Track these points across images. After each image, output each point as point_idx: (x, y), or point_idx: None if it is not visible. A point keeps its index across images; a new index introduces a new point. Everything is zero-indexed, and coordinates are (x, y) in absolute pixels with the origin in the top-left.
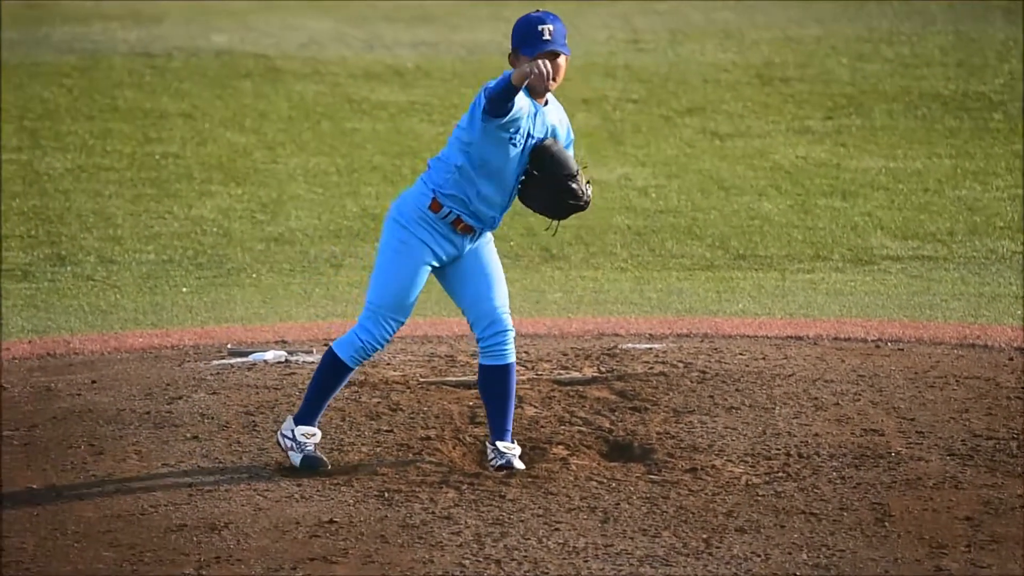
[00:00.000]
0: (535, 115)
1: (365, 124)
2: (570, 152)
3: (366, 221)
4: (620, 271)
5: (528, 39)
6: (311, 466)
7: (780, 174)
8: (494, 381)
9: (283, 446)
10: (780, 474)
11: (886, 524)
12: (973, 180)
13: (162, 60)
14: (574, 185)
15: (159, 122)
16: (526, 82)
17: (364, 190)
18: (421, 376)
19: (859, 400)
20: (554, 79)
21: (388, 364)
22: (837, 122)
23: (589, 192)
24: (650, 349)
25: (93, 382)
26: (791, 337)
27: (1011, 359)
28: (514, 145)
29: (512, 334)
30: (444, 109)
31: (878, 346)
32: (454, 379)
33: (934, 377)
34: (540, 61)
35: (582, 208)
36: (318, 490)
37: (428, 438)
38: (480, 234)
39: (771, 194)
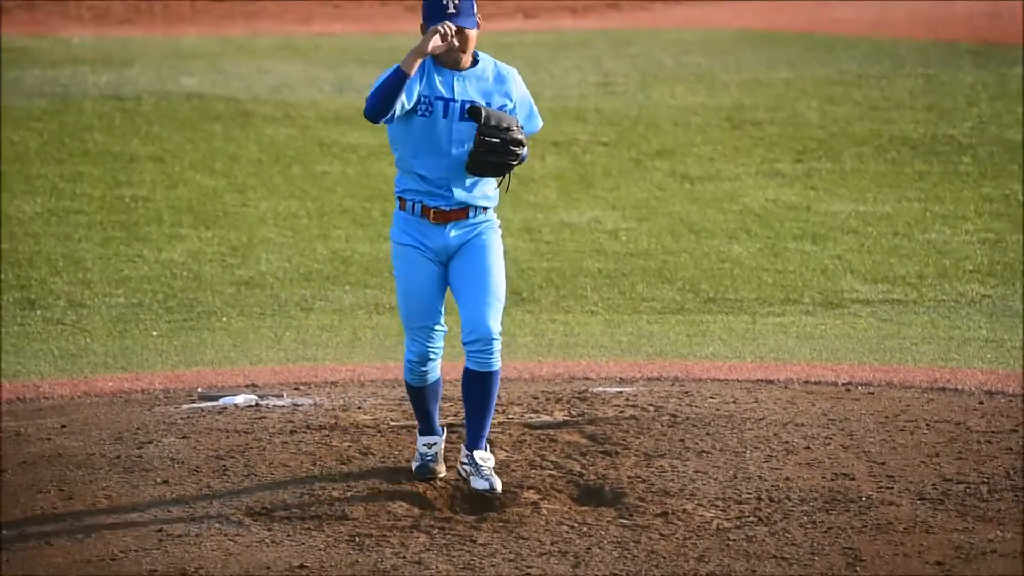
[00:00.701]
0: (451, 80)
1: (335, 167)
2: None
3: (336, 264)
4: (591, 314)
5: (433, 12)
6: (425, 474)
7: (750, 217)
8: (476, 387)
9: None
10: (751, 518)
11: (857, 568)
12: (943, 224)
13: (132, 103)
14: (513, 143)
15: (129, 165)
16: (431, 47)
17: (334, 233)
18: (392, 420)
19: (830, 444)
20: (463, 50)
21: (359, 408)
22: (807, 165)
23: (526, 146)
24: (621, 393)
25: (63, 426)
26: (762, 380)
27: (981, 403)
28: (425, 116)
29: (498, 343)
30: None
31: (848, 390)
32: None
33: (904, 421)
34: (441, 24)
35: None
36: (289, 535)
37: (399, 482)
38: (460, 221)
39: (741, 237)
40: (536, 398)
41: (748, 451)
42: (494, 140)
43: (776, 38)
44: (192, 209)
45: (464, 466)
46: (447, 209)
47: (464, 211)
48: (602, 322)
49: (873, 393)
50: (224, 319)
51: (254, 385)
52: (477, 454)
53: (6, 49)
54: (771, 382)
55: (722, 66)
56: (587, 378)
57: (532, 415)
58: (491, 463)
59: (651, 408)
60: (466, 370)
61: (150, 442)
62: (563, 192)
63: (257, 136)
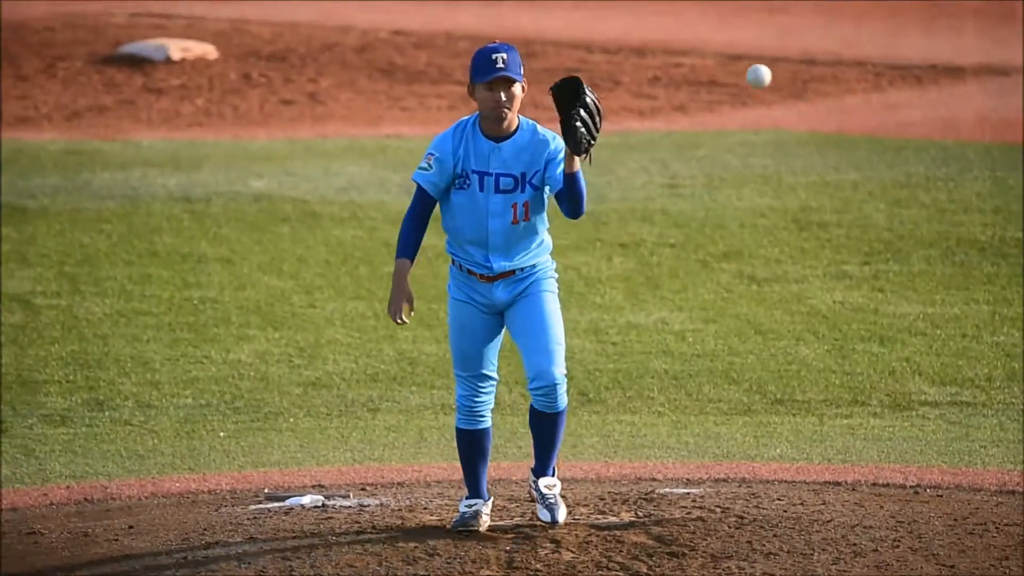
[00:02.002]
0: (488, 152)
1: None
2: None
3: (403, 365)
4: (657, 415)
5: (481, 68)
6: (461, 526)
7: (817, 319)
8: (542, 425)
9: (533, 496)
10: None
11: None
12: (1011, 326)
13: (201, 205)
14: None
15: (197, 267)
16: (391, 310)
17: (401, 334)
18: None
19: (898, 546)
20: (508, 107)
21: (425, 508)
22: (874, 267)
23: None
24: (687, 494)
25: (130, 527)
26: (829, 482)
27: None
28: (463, 188)
29: (561, 387)
30: None
31: (917, 492)
32: (491, 523)
33: (974, 524)
34: (397, 315)
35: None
36: None
37: None
38: (508, 279)
39: (808, 339)
40: (603, 499)
41: (816, 553)
42: (584, 117)
43: (843, 140)
44: (260, 310)
45: (532, 491)
46: (491, 276)
47: (511, 272)
48: (669, 423)
49: (942, 496)
50: (291, 420)
51: (321, 485)
52: (543, 481)
53: (77, 152)
54: (839, 484)
55: (789, 168)
56: (654, 479)
57: (599, 516)
58: (557, 490)
59: (718, 509)
60: (532, 408)
61: (216, 543)
62: (630, 293)
63: (324, 237)
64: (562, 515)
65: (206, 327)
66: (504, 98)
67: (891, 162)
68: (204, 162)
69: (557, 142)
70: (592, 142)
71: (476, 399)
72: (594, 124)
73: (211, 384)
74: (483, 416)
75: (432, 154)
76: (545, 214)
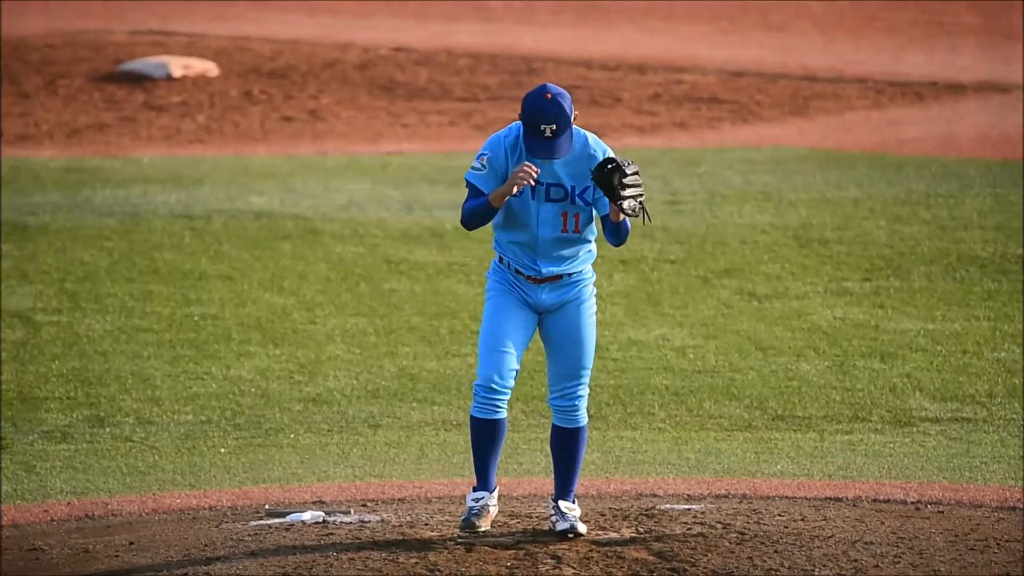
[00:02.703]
0: (539, 163)
1: (403, 285)
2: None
3: (404, 381)
4: (658, 431)
5: (528, 130)
6: (467, 527)
7: (818, 335)
8: (563, 442)
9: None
10: None
11: None
12: (1012, 342)
13: (202, 222)
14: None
15: (198, 284)
16: (516, 191)
17: (402, 350)
18: (460, 537)
19: (899, 563)
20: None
21: (426, 524)
22: (875, 283)
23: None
24: (688, 510)
25: (131, 543)
26: (830, 498)
27: None
28: (516, 196)
29: (583, 401)
30: (482, 270)
31: (918, 508)
32: (492, 539)
33: (975, 540)
34: (530, 167)
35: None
36: None
37: None
38: (554, 283)
39: (809, 355)
40: (603, 515)
41: (817, 569)
42: (628, 192)
43: (843, 158)
44: (260, 327)
45: (552, 518)
46: (538, 278)
47: (558, 276)
48: (669, 439)
49: (943, 512)
50: (292, 436)
51: (321, 502)
52: (563, 504)
53: (77, 169)
54: (840, 500)
55: (789, 185)
56: (654, 495)
57: (599, 532)
58: (577, 513)
59: (719, 525)
60: (553, 426)
61: (217, 559)
62: (631, 310)
63: (325, 254)
64: (583, 528)
65: (207, 344)
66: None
67: (892, 179)
68: (205, 179)
69: (604, 152)
70: (643, 208)
71: (497, 384)
72: (640, 194)
73: (212, 400)
74: (500, 405)
75: (485, 154)
76: (594, 225)
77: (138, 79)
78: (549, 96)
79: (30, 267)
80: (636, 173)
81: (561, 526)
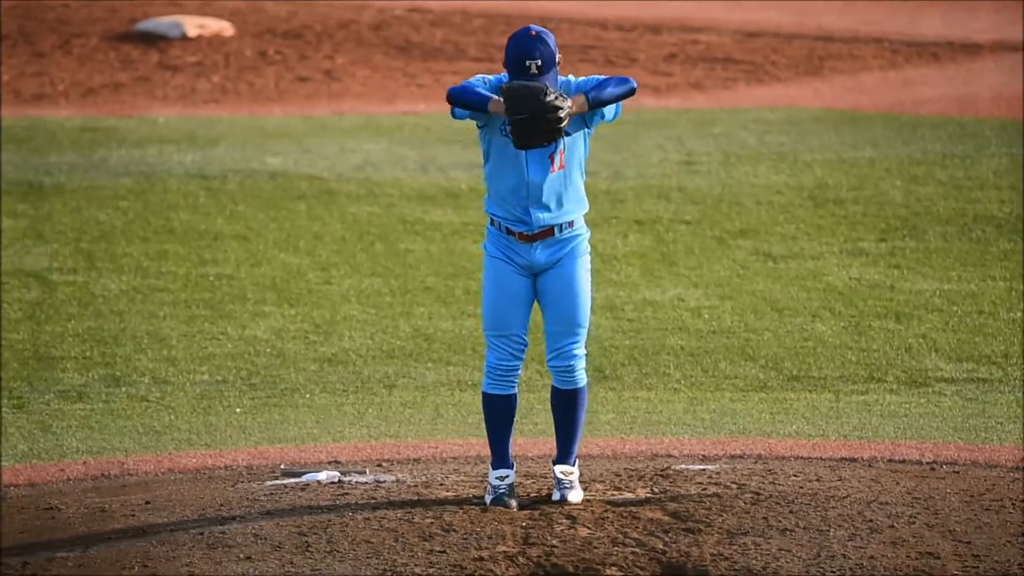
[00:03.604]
0: None
1: (418, 245)
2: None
3: (419, 342)
4: (673, 392)
5: (513, 68)
6: (498, 505)
7: (833, 295)
8: (562, 404)
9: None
10: None
11: None
12: None
13: (217, 182)
14: (547, 101)
15: (213, 244)
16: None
17: (417, 311)
18: (475, 497)
19: (914, 523)
20: None
21: (441, 484)
22: (891, 244)
23: (561, 102)
24: (703, 470)
25: (147, 503)
26: (845, 459)
27: None
28: (507, 136)
29: (580, 361)
30: None
31: (933, 468)
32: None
33: (990, 500)
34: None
35: (560, 120)
36: None
37: (481, 559)
38: (547, 239)
39: (824, 315)
40: (619, 475)
41: (832, 529)
42: (522, 117)
43: (859, 118)
44: (276, 287)
45: (552, 481)
46: (530, 233)
47: (550, 230)
48: (685, 400)
49: (958, 472)
50: (307, 396)
51: (337, 462)
52: (559, 468)
53: (93, 129)
54: (855, 460)
55: (805, 145)
56: (670, 455)
57: (614, 492)
58: (574, 477)
59: (734, 486)
60: (552, 388)
61: (233, 518)
62: (646, 270)
63: (341, 214)
64: (574, 497)
65: (222, 304)
66: None
67: (907, 139)
68: (220, 139)
69: (571, 81)
70: (555, 137)
71: (507, 363)
72: (541, 126)
73: (227, 360)
74: (512, 381)
75: (482, 77)
76: (582, 165)
77: (153, 39)
78: (533, 34)
79: (46, 227)
80: (536, 102)
81: (554, 496)
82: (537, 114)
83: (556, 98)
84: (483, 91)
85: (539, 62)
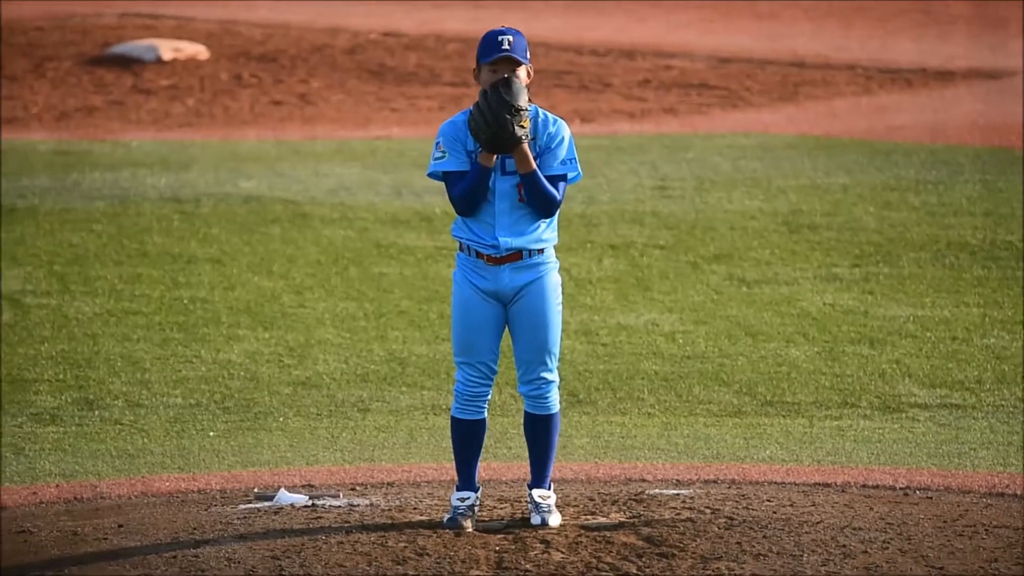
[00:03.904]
0: None
1: (393, 269)
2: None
3: (393, 365)
4: (647, 416)
5: (487, 49)
6: (453, 527)
7: (807, 321)
8: (535, 430)
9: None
10: None
11: None
12: (1001, 329)
13: (191, 205)
14: (509, 117)
15: (187, 267)
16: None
17: (391, 334)
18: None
19: (888, 548)
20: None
21: (415, 508)
22: (864, 270)
23: (520, 133)
24: (677, 495)
25: (120, 526)
26: (819, 484)
27: None
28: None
29: (553, 386)
30: None
31: (907, 494)
32: (481, 523)
33: (963, 526)
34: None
35: (512, 142)
36: None
37: None
38: (515, 263)
39: (798, 341)
40: (592, 499)
41: (805, 555)
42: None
43: (833, 144)
44: (250, 310)
45: (528, 507)
46: (498, 256)
47: (518, 254)
48: (659, 424)
49: (931, 498)
50: (281, 419)
51: (310, 485)
52: (536, 492)
53: (67, 152)
54: (828, 485)
55: (778, 171)
56: (643, 480)
57: (588, 516)
58: (551, 501)
59: (708, 510)
60: (525, 413)
61: (206, 542)
62: (620, 295)
63: (315, 238)
64: (554, 521)
65: (196, 327)
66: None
67: (881, 165)
68: (194, 163)
69: (555, 128)
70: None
71: (475, 389)
72: (492, 121)
73: (201, 384)
74: (480, 407)
75: (439, 141)
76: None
77: (127, 62)
78: (502, 26)
79: (19, 250)
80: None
81: (534, 519)
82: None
83: (514, 121)
84: (462, 182)
85: (510, 38)
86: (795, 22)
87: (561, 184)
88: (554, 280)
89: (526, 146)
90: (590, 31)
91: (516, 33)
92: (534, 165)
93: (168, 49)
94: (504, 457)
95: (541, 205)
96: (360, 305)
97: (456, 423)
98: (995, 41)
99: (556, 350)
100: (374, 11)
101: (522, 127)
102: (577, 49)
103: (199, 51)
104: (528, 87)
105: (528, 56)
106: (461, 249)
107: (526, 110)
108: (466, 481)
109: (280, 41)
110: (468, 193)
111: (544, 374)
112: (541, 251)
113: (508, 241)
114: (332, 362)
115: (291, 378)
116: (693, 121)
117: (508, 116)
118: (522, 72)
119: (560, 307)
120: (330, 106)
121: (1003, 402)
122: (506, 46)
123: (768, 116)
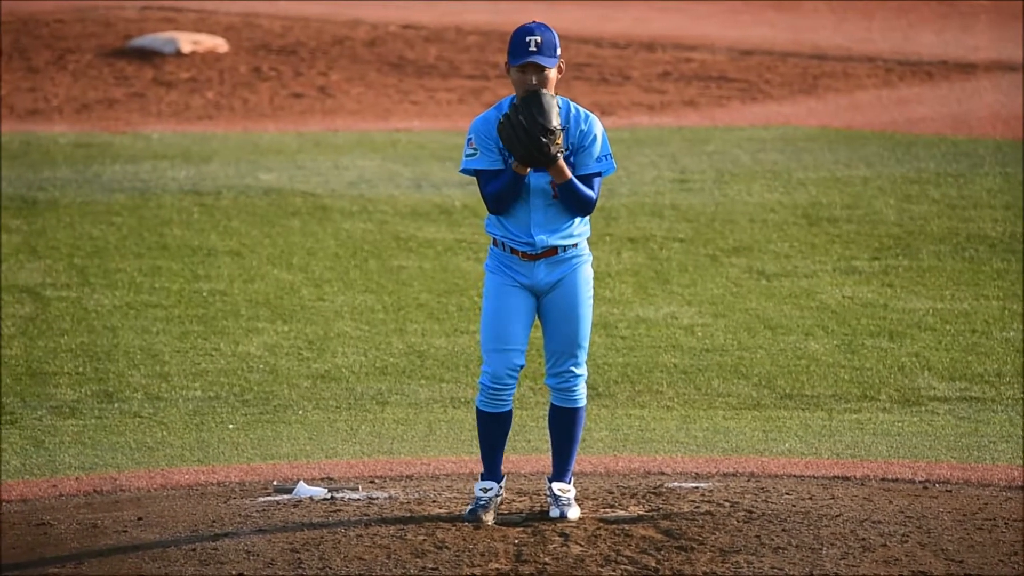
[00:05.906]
0: None
1: (412, 262)
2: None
3: (412, 358)
4: (666, 409)
5: (515, 50)
6: (472, 519)
7: (827, 314)
8: (560, 422)
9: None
10: None
11: None
12: (1021, 322)
13: (211, 198)
14: (544, 140)
15: (207, 260)
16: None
17: (410, 327)
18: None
19: (907, 542)
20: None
21: (434, 501)
22: (884, 262)
23: (555, 151)
24: (696, 488)
25: (139, 519)
26: (838, 477)
27: None
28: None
29: (581, 380)
30: None
31: (926, 487)
32: (500, 516)
33: (982, 519)
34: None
35: (546, 162)
36: None
37: None
38: (550, 258)
39: (818, 334)
40: (611, 492)
41: (824, 548)
42: (520, 126)
43: (853, 136)
44: (269, 303)
45: (548, 500)
46: (533, 253)
47: (553, 250)
48: (678, 417)
49: (951, 491)
50: (300, 412)
51: (329, 478)
52: (556, 485)
53: (88, 145)
54: (848, 479)
55: (799, 164)
56: (662, 473)
57: (607, 510)
58: (571, 495)
59: (727, 504)
60: (551, 406)
61: (226, 535)
62: (639, 288)
63: (334, 231)
64: (573, 514)
65: (215, 320)
66: (535, 82)
67: (901, 158)
68: (214, 155)
69: (587, 125)
70: (532, 155)
71: (503, 381)
72: (525, 140)
73: (220, 376)
74: (505, 399)
75: (470, 138)
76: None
77: (147, 55)
78: (535, 21)
79: (39, 242)
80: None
81: (553, 513)
82: (530, 148)
83: (549, 143)
84: (496, 181)
85: (538, 39)
86: (816, 14)
87: (596, 180)
88: (587, 273)
89: (561, 161)
90: (610, 23)
91: (545, 30)
92: (569, 174)
93: (188, 42)
94: (523, 450)
95: (578, 208)
96: (379, 298)
97: (482, 415)
98: (1017, 33)
99: (586, 343)
100: (394, 3)
101: (556, 145)
102: (597, 42)
103: (219, 44)
104: (559, 76)
105: (558, 51)
106: (495, 244)
107: (561, 129)
108: (491, 471)
109: (300, 33)
110: (501, 195)
111: (572, 367)
112: (575, 245)
113: (544, 239)
114: (351, 355)
115: (310, 371)
116: (713, 114)
117: (543, 139)
118: (550, 73)
119: (591, 300)
120: (350, 99)
121: (1023, 395)
122: (533, 47)
123: (788, 108)
